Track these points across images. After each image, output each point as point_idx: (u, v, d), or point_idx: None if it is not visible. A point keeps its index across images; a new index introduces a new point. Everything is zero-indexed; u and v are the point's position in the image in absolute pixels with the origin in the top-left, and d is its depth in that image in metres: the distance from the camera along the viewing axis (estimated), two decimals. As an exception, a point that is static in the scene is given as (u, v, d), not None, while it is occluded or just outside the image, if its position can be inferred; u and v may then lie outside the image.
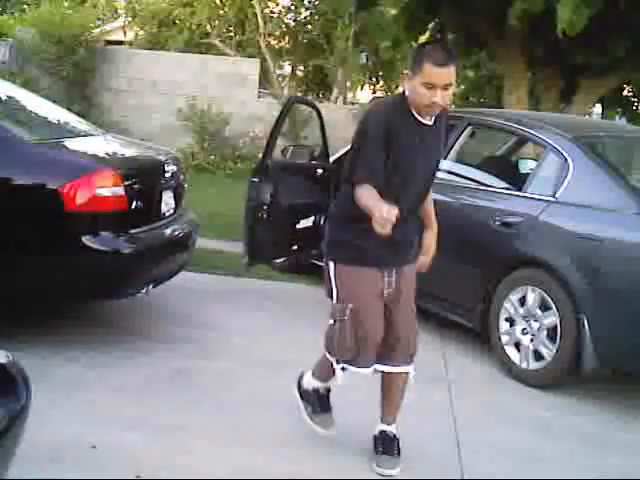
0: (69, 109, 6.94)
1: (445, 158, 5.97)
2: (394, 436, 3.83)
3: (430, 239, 3.88)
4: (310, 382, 3.95)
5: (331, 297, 3.73)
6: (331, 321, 3.71)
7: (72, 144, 5.27)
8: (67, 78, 14.41)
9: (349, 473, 3.73)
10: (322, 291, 7.16)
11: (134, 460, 3.57)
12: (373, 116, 3.59)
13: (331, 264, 3.72)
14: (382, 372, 3.78)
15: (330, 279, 3.73)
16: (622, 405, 4.97)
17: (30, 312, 4.91)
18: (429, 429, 4.16)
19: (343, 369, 3.70)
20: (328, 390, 3.95)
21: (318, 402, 3.92)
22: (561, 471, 4.01)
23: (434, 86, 3.40)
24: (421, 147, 3.56)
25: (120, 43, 21.13)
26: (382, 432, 3.85)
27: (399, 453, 3.78)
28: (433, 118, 3.58)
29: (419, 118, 3.54)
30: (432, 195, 3.90)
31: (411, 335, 3.76)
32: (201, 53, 18.16)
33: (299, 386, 4.00)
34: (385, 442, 3.81)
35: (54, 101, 6.56)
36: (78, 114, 6.68)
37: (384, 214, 3.19)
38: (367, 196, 3.40)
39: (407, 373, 3.79)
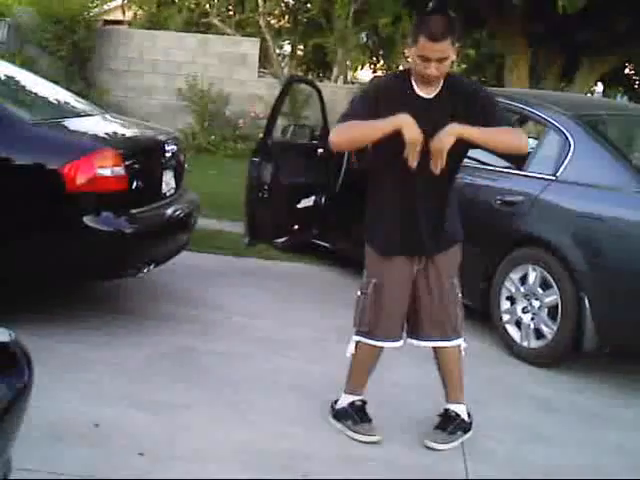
0: (69, 89, 6.92)
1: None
2: (456, 414, 3.91)
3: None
4: (344, 399, 3.95)
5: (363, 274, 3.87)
6: (358, 293, 3.82)
7: (72, 124, 5.25)
8: (66, 58, 14.34)
9: (350, 450, 3.75)
10: (323, 270, 7.22)
11: (136, 438, 3.59)
12: (371, 83, 3.73)
13: (366, 245, 3.83)
14: (433, 349, 3.92)
15: (365, 257, 3.86)
16: (622, 382, 4.99)
17: (31, 292, 4.92)
18: (429, 406, 4.17)
19: (358, 342, 3.83)
20: (363, 402, 3.94)
21: (356, 413, 3.90)
22: (561, 448, 4.03)
23: (428, 59, 3.41)
24: (421, 121, 3.46)
25: (119, 23, 21.01)
26: (445, 410, 3.95)
27: (454, 432, 3.85)
28: (436, 91, 3.55)
29: (418, 91, 3.54)
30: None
31: (448, 312, 3.81)
32: (200, 32, 18.06)
33: (333, 411, 3.98)
34: (443, 419, 3.92)
35: (53, 81, 6.54)
36: (78, 94, 6.66)
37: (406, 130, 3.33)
38: (359, 123, 3.46)
39: (453, 348, 3.88)
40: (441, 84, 3.56)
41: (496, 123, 3.53)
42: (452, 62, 3.53)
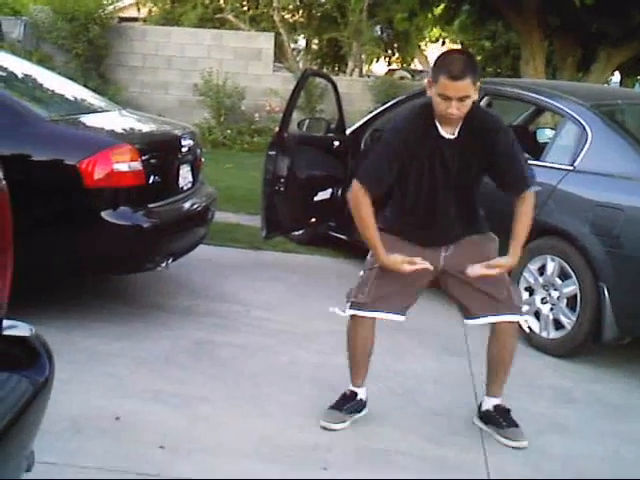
0: (85, 86, 6.95)
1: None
2: (508, 408, 3.90)
3: (503, 260, 3.71)
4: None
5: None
6: (360, 272, 3.82)
7: (89, 120, 5.28)
8: (82, 55, 14.39)
9: (370, 442, 3.75)
10: (340, 263, 7.20)
11: (157, 431, 3.61)
12: (398, 125, 3.69)
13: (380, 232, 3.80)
14: (490, 325, 3.84)
15: None
16: (642, 373, 4.97)
17: (51, 287, 4.94)
18: (450, 398, 4.17)
19: (348, 309, 3.82)
20: (352, 392, 3.93)
21: (337, 401, 3.90)
22: (581, 438, 4.02)
23: (449, 98, 3.41)
24: (446, 161, 3.57)
25: (134, 20, 21.08)
26: (496, 406, 3.91)
27: (517, 425, 3.86)
28: (457, 129, 3.56)
29: (441, 131, 3.55)
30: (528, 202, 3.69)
31: (496, 289, 3.76)
32: (215, 28, 18.08)
33: None
34: (504, 415, 3.89)
35: (70, 78, 6.57)
36: (94, 91, 6.69)
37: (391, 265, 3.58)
38: (367, 226, 3.58)
39: (509, 323, 3.80)
40: (461, 122, 3.55)
41: (519, 167, 3.65)
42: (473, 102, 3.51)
